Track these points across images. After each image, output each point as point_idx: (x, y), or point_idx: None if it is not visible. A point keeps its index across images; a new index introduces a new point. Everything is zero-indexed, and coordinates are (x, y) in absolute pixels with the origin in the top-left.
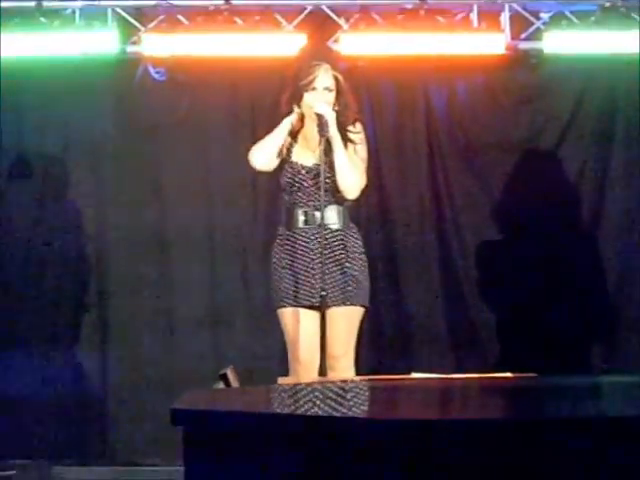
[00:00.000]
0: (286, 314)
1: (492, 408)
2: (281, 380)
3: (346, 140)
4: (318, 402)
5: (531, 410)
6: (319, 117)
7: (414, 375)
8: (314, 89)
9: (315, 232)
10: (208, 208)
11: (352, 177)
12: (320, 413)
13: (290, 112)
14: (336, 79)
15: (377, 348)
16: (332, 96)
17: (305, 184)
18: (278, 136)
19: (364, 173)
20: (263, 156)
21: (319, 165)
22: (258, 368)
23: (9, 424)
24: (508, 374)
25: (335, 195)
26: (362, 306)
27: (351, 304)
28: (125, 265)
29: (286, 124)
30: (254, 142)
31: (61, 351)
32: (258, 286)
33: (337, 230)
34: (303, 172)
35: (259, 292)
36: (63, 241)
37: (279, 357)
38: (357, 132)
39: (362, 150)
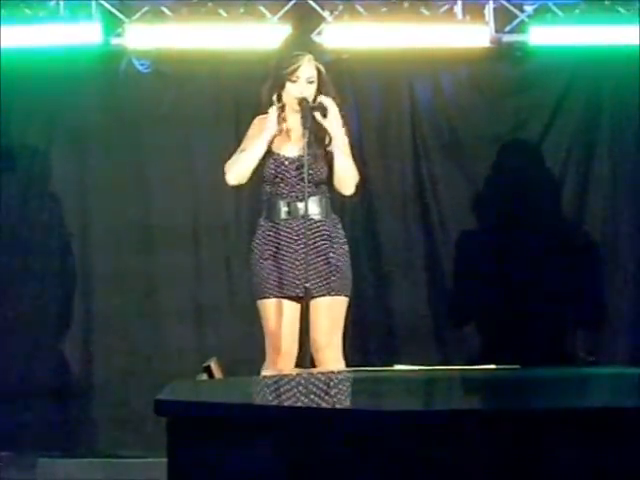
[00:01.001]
0: (268, 305)
1: (475, 399)
2: (264, 372)
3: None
4: (301, 393)
5: (514, 401)
6: (302, 106)
7: (397, 367)
8: (297, 79)
9: (298, 223)
10: (192, 200)
11: (353, 178)
12: (303, 404)
13: (271, 103)
14: (318, 71)
15: (361, 341)
16: (314, 88)
17: (288, 175)
18: (254, 154)
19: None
20: (238, 175)
21: (302, 157)
22: (242, 360)
23: None
24: (492, 366)
25: (317, 186)
26: (345, 296)
27: (335, 294)
28: (109, 257)
29: (263, 140)
30: (237, 134)
31: (46, 343)
32: (242, 278)
33: (320, 221)
34: (286, 163)
35: (243, 284)
36: (47, 234)
37: (263, 349)
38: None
39: (345, 135)
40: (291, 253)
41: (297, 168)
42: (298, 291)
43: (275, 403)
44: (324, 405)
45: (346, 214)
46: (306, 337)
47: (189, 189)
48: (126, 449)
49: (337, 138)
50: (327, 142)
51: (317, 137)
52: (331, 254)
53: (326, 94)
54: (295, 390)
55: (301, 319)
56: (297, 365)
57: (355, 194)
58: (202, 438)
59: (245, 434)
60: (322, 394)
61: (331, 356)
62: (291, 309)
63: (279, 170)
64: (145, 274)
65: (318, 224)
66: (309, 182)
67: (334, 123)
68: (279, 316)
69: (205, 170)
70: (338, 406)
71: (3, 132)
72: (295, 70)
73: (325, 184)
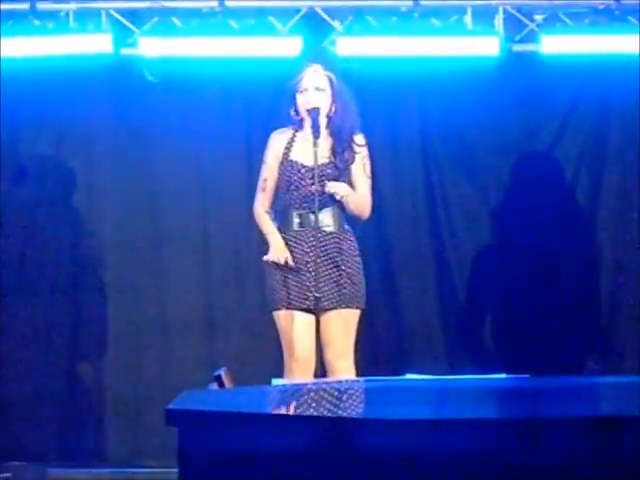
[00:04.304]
0: (281, 316)
1: (487, 408)
2: (275, 381)
3: (352, 151)
4: (313, 402)
5: (525, 410)
6: (311, 117)
7: (408, 376)
8: (304, 89)
9: (309, 235)
10: (202, 210)
11: (363, 208)
12: (315, 413)
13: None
14: (330, 80)
15: (371, 350)
16: (325, 96)
17: (303, 183)
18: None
19: (371, 193)
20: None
21: (319, 166)
22: (252, 370)
23: (5, 426)
24: (502, 375)
25: (331, 197)
26: (358, 308)
27: (346, 307)
28: (119, 268)
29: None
30: (247, 145)
31: (56, 354)
32: (252, 288)
33: (332, 233)
34: (302, 171)
35: (253, 294)
36: (57, 244)
37: (273, 359)
38: (362, 145)
39: (368, 166)
40: (302, 265)
41: (312, 177)
42: (308, 303)
43: (286, 412)
44: (335, 415)
45: (356, 225)
46: (318, 348)
47: (199, 199)
48: (137, 459)
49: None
50: (350, 161)
51: (341, 156)
52: (342, 266)
53: (342, 104)
54: (305, 399)
55: (316, 329)
56: (314, 375)
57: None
58: (213, 448)
59: (257, 443)
60: (333, 403)
61: (343, 366)
62: (304, 319)
63: (294, 178)
64: (155, 284)
65: (330, 236)
66: (322, 193)
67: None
68: (292, 325)
69: (215, 180)
70: (349, 415)
71: (13, 143)
72: (299, 81)
73: None
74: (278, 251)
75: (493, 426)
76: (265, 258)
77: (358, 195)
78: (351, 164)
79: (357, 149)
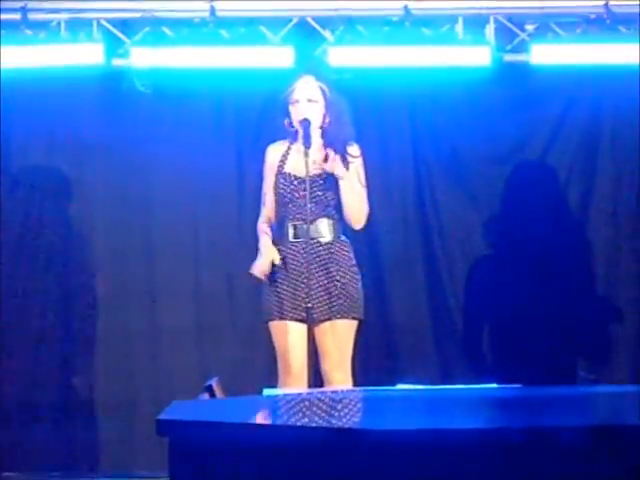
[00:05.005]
0: (275, 327)
1: (478, 418)
2: (267, 391)
3: (345, 161)
4: (304, 413)
5: (516, 420)
6: (302, 127)
7: (400, 386)
8: (296, 101)
9: (304, 246)
10: (194, 219)
11: (360, 213)
12: (306, 424)
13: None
14: (323, 91)
15: (363, 359)
16: (317, 107)
17: (297, 195)
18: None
19: (366, 199)
20: None
21: (312, 177)
22: (244, 380)
23: None
24: (493, 385)
25: (325, 208)
26: (354, 319)
27: (341, 317)
28: (110, 276)
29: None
30: (239, 155)
31: (47, 363)
32: (244, 298)
33: (327, 243)
34: (295, 183)
35: (245, 304)
36: (48, 251)
37: (265, 370)
38: (356, 156)
39: (362, 175)
40: (296, 276)
41: (305, 189)
42: (301, 314)
43: (277, 422)
44: (326, 424)
45: (347, 234)
46: (314, 359)
47: (190, 209)
48: (129, 469)
49: (344, 178)
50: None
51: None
52: (337, 277)
53: (335, 115)
54: (297, 409)
55: (309, 340)
56: (308, 385)
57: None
58: (204, 458)
59: (247, 454)
60: (324, 413)
61: (339, 378)
62: (297, 331)
63: (288, 190)
64: (146, 292)
65: (325, 246)
66: (316, 203)
67: (337, 165)
68: (286, 337)
69: (206, 189)
70: (341, 425)
71: (4, 152)
72: (291, 93)
73: (334, 207)
74: (266, 253)
75: (484, 436)
76: (250, 271)
77: (356, 195)
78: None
79: (351, 159)
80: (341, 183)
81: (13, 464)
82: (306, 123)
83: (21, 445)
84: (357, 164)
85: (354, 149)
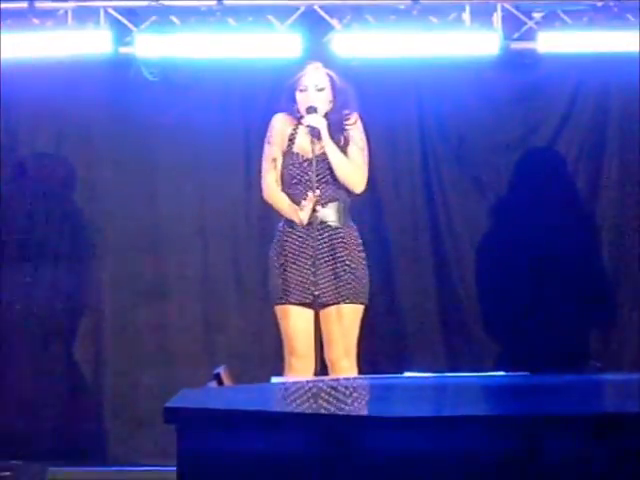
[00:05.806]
0: (281, 310)
1: (486, 405)
2: (275, 379)
3: (346, 137)
4: (312, 400)
5: (524, 407)
6: (310, 129)
7: (407, 374)
8: (304, 88)
9: (312, 229)
10: (201, 207)
11: (353, 175)
12: (314, 411)
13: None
14: (331, 78)
15: (370, 347)
16: (324, 95)
17: (306, 177)
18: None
19: (365, 164)
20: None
21: (318, 157)
22: (252, 368)
23: (5, 425)
24: (501, 373)
25: (335, 192)
26: (361, 304)
27: (349, 302)
28: (118, 263)
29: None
30: (246, 143)
31: (55, 352)
32: (252, 285)
33: (336, 228)
34: (305, 165)
35: (253, 292)
36: (55, 243)
37: (273, 357)
38: (352, 124)
39: (359, 138)
40: (302, 259)
41: (312, 171)
42: (308, 298)
43: (286, 410)
44: (334, 412)
45: (354, 222)
46: (320, 345)
47: (197, 196)
48: (137, 458)
49: (330, 154)
50: (344, 144)
51: (336, 141)
52: (346, 261)
53: (342, 102)
54: (305, 397)
55: (315, 325)
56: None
57: (364, 196)
58: (212, 445)
59: (256, 441)
60: (332, 401)
61: (345, 366)
62: (303, 314)
63: (297, 171)
64: (154, 281)
65: (334, 231)
66: (326, 183)
67: (327, 142)
68: (293, 321)
69: (213, 177)
70: (350, 413)
71: (11, 141)
72: (299, 79)
73: (343, 189)
74: (300, 207)
75: (492, 423)
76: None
77: (348, 161)
78: (346, 147)
79: (347, 127)
80: (328, 153)
81: (21, 453)
82: (312, 110)
83: (28, 434)
84: (354, 128)
85: (350, 119)
